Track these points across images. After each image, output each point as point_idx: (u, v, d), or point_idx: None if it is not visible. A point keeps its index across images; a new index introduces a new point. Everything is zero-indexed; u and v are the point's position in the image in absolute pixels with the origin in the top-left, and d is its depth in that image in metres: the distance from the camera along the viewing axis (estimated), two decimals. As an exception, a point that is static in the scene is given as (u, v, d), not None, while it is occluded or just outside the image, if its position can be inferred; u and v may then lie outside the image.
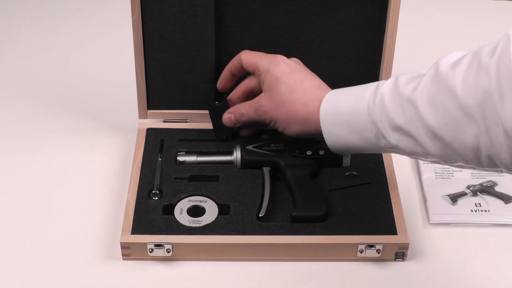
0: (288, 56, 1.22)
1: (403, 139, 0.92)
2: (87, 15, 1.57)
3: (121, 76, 1.34)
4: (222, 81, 1.17)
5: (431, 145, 0.89)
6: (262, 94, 1.09)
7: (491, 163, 0.85)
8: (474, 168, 0.88)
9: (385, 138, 0.94)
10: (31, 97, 1.35)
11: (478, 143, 0.83)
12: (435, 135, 0.87)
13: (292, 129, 1.07)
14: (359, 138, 0.97)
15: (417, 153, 0.92)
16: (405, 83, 0.92)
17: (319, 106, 1.01)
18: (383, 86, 0.94)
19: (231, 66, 1.14)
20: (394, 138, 0.93)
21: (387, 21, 1.17)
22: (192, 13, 1.16)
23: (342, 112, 0.98)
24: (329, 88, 1.05)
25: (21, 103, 1.34)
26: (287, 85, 1.05)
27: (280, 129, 1.09)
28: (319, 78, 1.08)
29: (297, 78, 1.06)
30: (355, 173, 1.15)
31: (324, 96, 1.02)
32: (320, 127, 1.01)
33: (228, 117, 1.15)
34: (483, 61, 0.82)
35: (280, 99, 1.06)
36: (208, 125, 1.23)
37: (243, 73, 1.14)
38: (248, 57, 1.12)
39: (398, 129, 0.91)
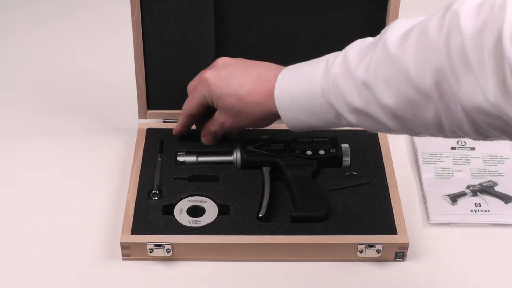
0: (289, 56, 1.22)
1: (363, 119, 0.91)
2: (87, 15, 1.57)
3: (121, 76, 1.34)
4: (178, 127, 1.18)
5: (392, 123, 0.88)
6: (219, 112, 1.10)
7: (455, 135, 0.84)
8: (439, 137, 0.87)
9: (345, 118, 0.93)
10: (31, 97, 1.35)
11: (440, 119, 0.82)
12: (394, 115, 0.86)
13: (261, 125, 1.08)
14: (319, 120, 0.97)
15: (379, 130, 0.92)
16: (355, 61, 0.90)
17: (271, 97, 1.00)
18: (334, 66, 0.92)
19: (184, 122, 1.16)
20: (354, 118, 0.92)
21: (387, 21, 1.17)
22: (192, 13, 1.16)
23: (297, 97, 0.97)
24: (273, 69, 1.03)
25: (21, 103, 1.34)
26: (232, 96, 1.05)
27: (252, 127, 1.11)
28: (252, 66, 1.07)
29: (234, 84, 1.05)
30: (355, 173, 1.15)
31: (273, 82, 1.01)
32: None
33: (206, 139, 1.17)
34: (431, 37, 0.80)
35: (235, 111, 1.06)
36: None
37: (203, 113, 1.14)
38: (190, 106, 1.12)
39: (357, 110, 0.90)
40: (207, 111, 1.13)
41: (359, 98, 0.89)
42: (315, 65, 0.96)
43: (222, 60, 1.09)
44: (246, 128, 1.12)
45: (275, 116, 1.02)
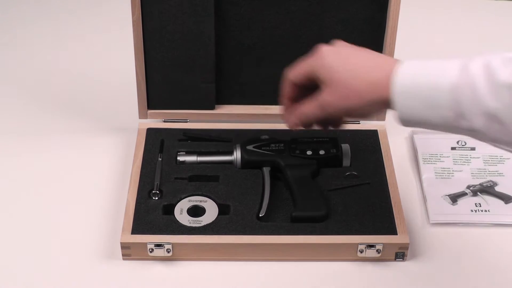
0: (289, 55, 1.22)
1: (492, 125, 0.86)
2: (87, 15, 1.57)
3: (121, 76, 1.34)
4: (284, 111, 1.05)
5: None
6: (324, 91, 0.97)
7: None
8: None
9: (467, 120, 0.87)
10: (31, 97, 1.35)
11: None
12: None
13: (368, 113, 0.97)
14: (436, 115, 0.90)
15: (501, 141, 0.87)
16: (500, 65, 0.85)
17: (389, 79, 0.91)
18: (473, 66, 0.87)
19: (286, 92, 1.04)
20: (480, 122, 0.86)
21: (387, 21, 1.17)
22: (192, 13, 1.16)
23: (420, 84, 0.90)
24: (393, 59, 0.95)
25: (21, 103, 1.34)
26: (346, 71, 0.95)
27: (353, 118, 1.01)
28: (375, 52, 0.97)
29: (354, 61, 0.95)
30: (355, 173, 1.15)
31: (393, 67, 0.92)
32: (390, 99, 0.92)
33: (293, 122, 1.04)
34: None
35: (346, 87, 0.95)
36: (208, 125, 1.23)
37: (300, 93, 1.02)
38: (294, 71, 1.01)
39: (489, 114, 0.85)
40: (304, 90, 1.01)
41: (497, 101, 0.84)
42: (447, 61, 0.90)
43: (342, 42, 1.00)
44: (348, 118, 1.02)
45: (386, 104, 0.92)
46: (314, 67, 0.97)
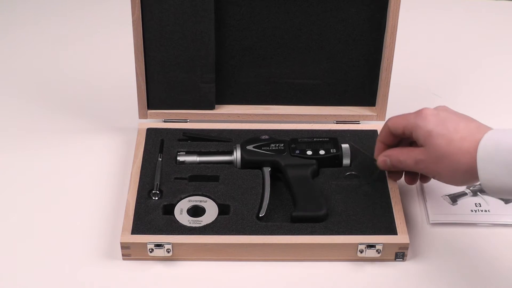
0: (289, 55, 1.22)
1: None
2: (87, 15, 1.57)
3: (121, 76, 1.35)
4: (377, 153, 1.11)
5: None
6: (421, 149, 1.03)
7: None
8: None
9: None
10: (31, 97, 1.35)
11: None
12: None
13: (457, 180, 1.01)
14: None
15: None
16: None
17: (477, 147, 0.95)
18: None
19: (381, 136, 1.10)
20: None
21: (387, 21, 1.17)
22: (192, 13, 1.16)
23: (503, 150, 0.92)
24: (488, 128, 0.98)
25: (21, 103, 1.34)
26: (443, 137, 0.99)
27: (443, 181, 1.03)
28: (474, 120, 1.01)
29: (451, 127, 0.99)
30: (355, 173, 1.15)
31: (483, 135, 0.95)
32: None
33: (383, 160, 1.10)
34: None
35: (440, 153, 0.99)
36: (208, 125, 1.23)
37: (395, 141, 1.09)
38: (393, 121, 1.07)
39: None
40: (398, 142, 1.08)
41: None
42: None
43: (445, 107, 1.04)
44: (438, 180, 1.05)
45: (475, 172, 0.95)
46: (413, 126, 1.03)
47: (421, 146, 1.03)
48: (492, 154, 0.93)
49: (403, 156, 1.06)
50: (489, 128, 0.97)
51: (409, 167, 1.06)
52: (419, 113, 1.03)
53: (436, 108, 1.04)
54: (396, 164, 1.08)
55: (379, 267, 1.06)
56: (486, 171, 0.94)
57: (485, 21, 1.59)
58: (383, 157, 1.09)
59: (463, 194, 1.16)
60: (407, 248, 1.05)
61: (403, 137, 1.08)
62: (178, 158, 1.16)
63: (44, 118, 1.30)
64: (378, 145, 1.11)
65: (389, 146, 1.10)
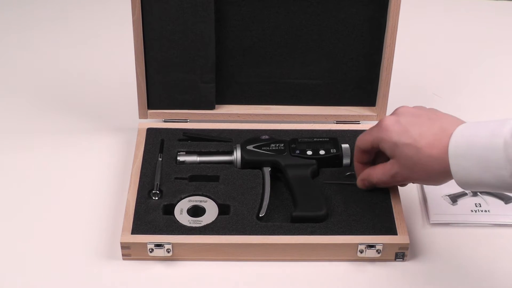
0: (289, 55, 1.22)
1: None
2: (88, 15, 1.57)
3: (121, 76, 1.35)
4: (358, 173, 1.11)
5: None
6: (392, 162, 1.03)
7: None
8: None
9: None
10: (31, 97, 1.35)
11: None
12: None
13: (435, 182, 1.01)
14: (491, 176, 0.91)
15: None
16: None
17: (447, 149, 0.95)
18: None
19: (356, 157, 1.10)
20: None
21: (387, 21, 1.17)
22: (192, 13, 1.16)
23: (475, 146, 0.92)
24: (456, 124, 0.97)
25: (21, 103, 1.34)
26: (410, 147, 0.99)
27: (422, 184, 1.05)
28: (437, 117, 1.00)
29: (415, 133, 0.99)
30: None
31: (450, 134, 0.95)
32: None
33: (362, 183, 1.10)
34: None
35: (411, 163, 0.99)
36: (208, 125, 1.23)
37: (370, 158, 1.09)
38: (361, 140, 1.07)
39: None
40: (373, 156, 1.09)
41: None
42: (502, 120, 0.92)
43: (404, 108, 1.04)
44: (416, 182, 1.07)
45: (450, 172, 0.95)
46: (378, 139, 1.03)
47: (391, 158, 1.03)
48: (464, 151, 0.93)
49: (378, 175, 1.07)
50: (452, 124, 0.97)
51: (387, 183, 1.07)
52: (379, 125, 1.03)
53: (396, 113, 1.03)
54: (375, 183, 1.08)
55: (379, 267, 1.06)
56: (459, 168, 0.94)
57: (485, 21, 1.59)
58: (361, 181, 1.10)
59: (463, 194, 1.16)
60: (407, 248, 1.05)
61: (375, 151, 1.08)
62: (178, 158, 1.16)
63: (44, 118, 1.30)
64: (356, 166, 1.11)
65: (366, 163, 1.10)
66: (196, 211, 1.09)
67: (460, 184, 0.95)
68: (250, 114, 1.25)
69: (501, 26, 1.58)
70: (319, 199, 1.09)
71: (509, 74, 1.45)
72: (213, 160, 1.16)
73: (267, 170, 1.14)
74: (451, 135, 0.95)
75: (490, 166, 0.90)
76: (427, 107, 1.04)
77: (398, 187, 1.12)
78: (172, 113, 1.25)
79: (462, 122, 0.98)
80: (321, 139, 1.17)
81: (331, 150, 1.16)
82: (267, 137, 1.18)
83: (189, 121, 1.25)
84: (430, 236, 1.11)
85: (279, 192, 1.13)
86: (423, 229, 1.12)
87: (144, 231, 1.05)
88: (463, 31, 1.55)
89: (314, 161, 1.15)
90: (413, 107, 1.04)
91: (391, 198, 1.11)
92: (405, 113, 1.03)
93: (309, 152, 1.15)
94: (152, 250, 1.04)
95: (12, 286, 1.03)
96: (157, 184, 1.12)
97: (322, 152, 1.15)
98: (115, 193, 1.16)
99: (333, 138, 1.18)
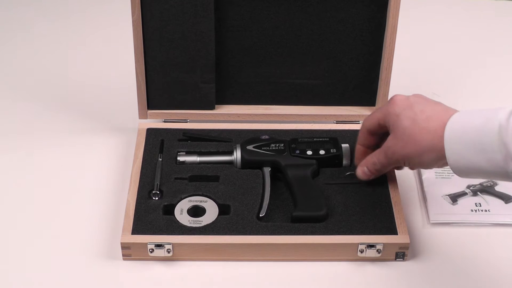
0: (289, 55, 1.22)
1: None
2: (87, 15, 1.57)
3: (121, 76, 1.34)
4: (358, 158, 1.11)
5: None
6: (389, 138, 1.04)
7: None
8: None
9: None
10: (31, 97, 1.35)
11: None
12: None
13: (426, 162, 1.00)
14: (485, 159, 0.91)
15: None
16: None
17: (443, 128, 0.95)
18: None
19: (360, 139, 1.10)
20: None
21: (387, 21, 1.17)
22: (192, 13, 1.16)
23: (469, 130, 0.93)
24: (455, 110, 0.98)
25: (21, 103, 1.34)
26: (409, 118, 1.00)
27: (415, 166, 1.05)
28: (442, 104, 1.01)
29: (417, 109, 1.00)
30: (355, 173, 1.15)
31: (450, 117, 0.96)
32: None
33: (362, 170, 1.10)
34: None
35: (406, 134, 1.00)
36: (208, 125, 1.23)
37: (374, 141, 1.09)
38: (368, 119, 1.08)
39: None
40: (378, 140, 1.09)
41: None
42: (499, 107, 0.92)
43: (417, 94, 1.04)
44: (411, 167, 1.06)
45: (442, 154, 0.96)
46: (385, 113, 1.04)
47: (390, 134, 1.03)
48: (459, 135, 0.94)
49: (375, 155, 1.07)
50: (456, 111, 0.98)
51: (382, 163, 1.06)
52: (390, 100, 1.04)
53: (409, 96, 1.04)
54: (373, 168, 1.08)
55: (380, 267, 1.06)
56: (453, 152, 0.94)
57: (485, 21, 1.59)
58: (361, 168, 1.10)
59: (463, 194, 1.16)
60: (407, 248, 1.05)
61: (381, 133, 1.07)
62: (178, 158, 1.16)
63: (44, 118, 1.30)
64: (357, 149, 1.11)
65: (368, 148, 1.10)
66: (196, 211, 1.09)
67: (453, 168, 0.95)
68: (250, 114, 1.25)
69: (501, 26, 1.58)
70: (319, 199, 1.09)
71: (509, 74, 1.45)
72: (213, 160, 1.16)
73: (267, 170, 1.14)
74: (450, 117, 0.96)
75: (484, 149, 0.91)
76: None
77: (398, 187, 1.12)
78: (172, 113, 1.25)
79: (454, 110, 0.99)
80: (321, 139, 1.17)
81: (331, 150, 1.16)
82: (267, 137, 1.18)
83: (189, 121, 1.25)
84: (430, 236, 1.11)
85: (279, 192, 1.13)
86: (423, 229, 1.12)
87: (144, 231, 1.05)
88: (463, 31, 1.55)
89: (314, 161, 1.15)
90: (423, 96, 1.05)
91: (391, 198, 1.11)
92: (417, 96, 1.04)
93: (309, 152, 1.15)
94: (152, 250, 1.04)
95: (12, 286, 1.03)
96: (157, 184, 1.12)
97: (322, 152, 1.15)
98: (115, 193, 1.16)
99: (333, 138, 1.18)
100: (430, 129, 0.97)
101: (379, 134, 1.08)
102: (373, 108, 1.25)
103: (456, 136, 0.94)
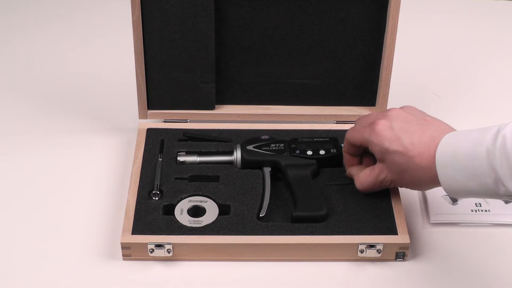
0: (289, 55, 1.22)
1: None
2: (87, 15, 1.57)
3: (121, 76, 1.35)
4: (348, 164, 1.12)
5: None
6: (381, 166, 1.05)
7: None
8: None
9: (504, 185, 0.89)
10: (31, 97, 1.35)
11: None
12: None
13: (424, 188, 1.05)
14: (477, 184, 0.92)
15: None
16: None
17: (435, 158, 0.96)
18: (505, 129, 0.89)
19: (345, 148, 1.11)
20: None
21: (387, 21, 1.17)
22: (192, 13, 1.16)
23: (460, 156, 0.93)
24: (444, 131, 0.98)
25: (21, 103, 1.34)
26: (400, 155, 1.00)
27: (410, 188, 1.06)
28: (430, 123, 1.01)
29: (406, 142, 1.00)
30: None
31: (438, 142, 0.97)
32: None
33: (357, 186, 1.10)
34: None
35: (400, 169, 1.01)
36: (208, 125, 1.23)
37: (359, 151, 1.10)
38: (351, 135, 1.08)
39: None
40: (362, 151, 1.10)
41: None
42: (487, 129, 0.93)
43: (395, 111, 1.04)
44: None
45: (437, 179, 0.97)
46: (369, 141, 1.04)
47: (379, 161, 1.04)
48: (450, 160, 0.95)
49: (368, 181, 1.07)
50: (440, 132, 0.98)
51: (376, 187, 1.08)
52: (372, 129, 1.04)
53: (388, 118, 1.03)
54: (366, 188, 1.08)
55: (380, 267, 1.06)
56: (446, 176, 0.95)
57: (485, 21, 1.59)
58: (349, 175, 1.12)
59: (463, 194, 1.16)
60: (407, 248, 1.05)
61: (364, 148, 1.09)
62: (178, 158, 1.16)
63: (44, 118, 1.30)
64: (345, 156, 1.12)
65: (355, 155, 1.11)
66: (197, 211, 1.09)
67: (448, 192, 0.97)
68: (250, 114, 1.25)
69: (501, 26, 1.58)
70: (319, 199, 1.09)
71: (509, 74, 1.45)
72: (213, 160, 1.16)
73: (267, 170, 1.14)
74: (438, 145, 0.97)
75: (475, 174, 0.92)
76: (426, 107, 1.05)
77: (398, 187, 1.12)
78: (172, 113, 1.25)
79: (451, 129, 0.99)
80: (321, 139, 1.17)
81: (331, 150, 1.16)
82: (267, 137, 1.18)
83: (189, 121, 1.25)
84: (430, 236, 1.11)
85: (279, 192, 1.13)
86: (423, 229, 1.12)
87: (144, 231, 1.05)
88: (463, 31, 1.55)
89: (314, 161, 1.15)
90: (402, 109, 1.05)
91: (391, 198, 1.11)
92: (396, 117, 1.03)
93: (309, 152, 1.15)
94: (152, 251, 1.04)
95: (12, 286, 1.03)
96: (157, 184, 1.12)
97: (322, 152, 1.15)
98: (115, 193, 1.16)
99: (333, 138, 1.18)
100: (424, 166, 0.98)
101: (362, 148, 1.09)
102: (373, 108, 1.25)
103: (447, 160, 0.95)
